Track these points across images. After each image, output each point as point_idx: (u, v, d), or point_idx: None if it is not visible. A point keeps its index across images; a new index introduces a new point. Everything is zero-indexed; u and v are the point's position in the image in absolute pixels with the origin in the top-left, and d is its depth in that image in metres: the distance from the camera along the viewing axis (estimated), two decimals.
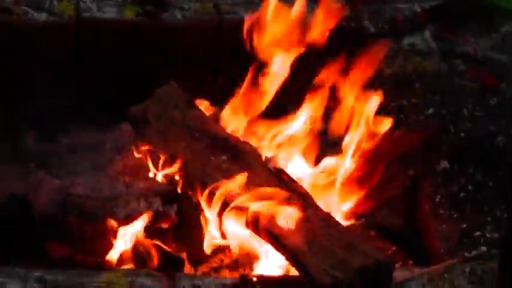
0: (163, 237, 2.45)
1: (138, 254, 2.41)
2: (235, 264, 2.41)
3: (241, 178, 2.32)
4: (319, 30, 2.59)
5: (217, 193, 2.34)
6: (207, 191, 2.37)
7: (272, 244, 2.28)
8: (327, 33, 2.58)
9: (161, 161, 2.53)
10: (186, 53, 2.89)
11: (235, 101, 2.63)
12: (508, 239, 1.73)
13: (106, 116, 2.85)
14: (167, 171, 2.52)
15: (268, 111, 2.63)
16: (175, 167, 2.48)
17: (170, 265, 2.39)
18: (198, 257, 2.45)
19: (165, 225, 2.48)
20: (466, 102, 2.76)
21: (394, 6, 3.14)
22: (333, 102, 2.59)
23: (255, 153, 2.50)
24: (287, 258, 2.23)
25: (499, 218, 2.45)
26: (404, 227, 2.61)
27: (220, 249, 2.44)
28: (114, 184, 2.58)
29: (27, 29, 2.85)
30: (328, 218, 2.32)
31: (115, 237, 2.42)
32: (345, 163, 2.53)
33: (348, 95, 2.56)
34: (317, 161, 2.58)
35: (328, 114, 2.60)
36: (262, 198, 2.29)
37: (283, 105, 2.66)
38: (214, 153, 2.47)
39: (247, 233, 2.33)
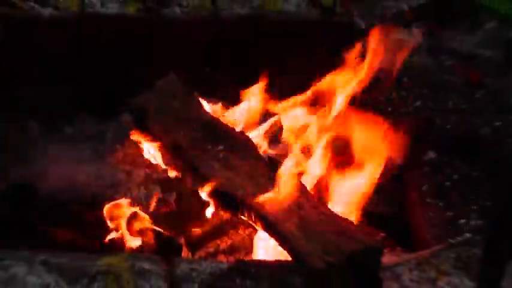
0: (162, 223, 2.44)
1: (138, 238, 2.41)
2: (231, 249, 2.41)
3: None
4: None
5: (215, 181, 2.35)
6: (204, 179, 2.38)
7: (266, 230, 2.28)
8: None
9: (160, 150, 2.53)
10: (185, 46, 2.89)
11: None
12: (493, 227, 1.73)
13: (107, 106, 2.85)
14: (166, 159, 2.52)
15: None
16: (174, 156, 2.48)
17: (168, 249, 2.39)
18: (195, 242, 2.45)
19: (164, 212, 2.47)
20: (452, 96, 2.77)
21: (383, 4, 3.13)
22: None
23: (250, 143, 2.50)
24: (281, 244, 2.24)
25: (483, 206, 2.46)
26: (392, 215, 2.60)
27: (216, 235, 2.45)
28: (115, 172, 2.59)
29: (33, 23, 2.84)
30: (320, 205, 2.32)
31: (116, 222, 2.42)
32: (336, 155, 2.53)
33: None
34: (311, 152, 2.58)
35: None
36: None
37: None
38: (211, 143, 2.47)
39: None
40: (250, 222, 2.33)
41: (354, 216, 2.44)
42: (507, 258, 1.70)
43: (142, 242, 2.39)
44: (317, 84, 2.59)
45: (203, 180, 2.39)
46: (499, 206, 1.66)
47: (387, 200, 2.64)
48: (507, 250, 1.68)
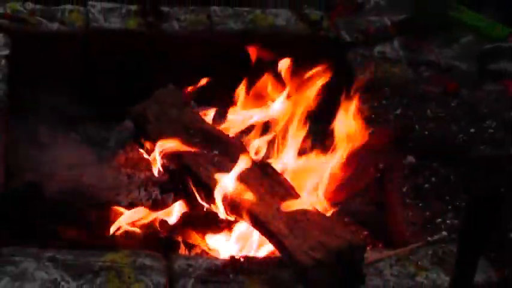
0: (161, 223, 2.44)
1: (139, 237, 2.40)
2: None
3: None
4: None
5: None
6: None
7: (257, 229, 2.28)
8: None
9: (159, 155, 2.52)
10: (182, 58, 2.89)
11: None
12: (467, 225, 1.74)
13: (110, 114, 2.84)
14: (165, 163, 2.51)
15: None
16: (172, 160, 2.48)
17: (167, 247, 2.38)
18: (192, 241, 2.44)
19: (163, 212, 2.46)
20: (430, 105, 2.76)
21: (367, 19, 3.14)
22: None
23: (243, 149, 2.49)
24: (271, 242, 2.23)
25: (458, 206, 2.46)
26: (374, 214, 2.61)
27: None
28: (117, 175, 2.59)
29: (41, 38, 2.84)
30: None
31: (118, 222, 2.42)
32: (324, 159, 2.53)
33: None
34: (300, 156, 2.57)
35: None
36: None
37: None
38: (207, 148, 2.46)
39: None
40: (243, 221, 2.33)
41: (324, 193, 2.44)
42: (479, 254, 1.71)
43: (143, 239, 2.39)
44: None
45: (200, 183, 2.40)
46: (471, 207, 1.67)
47: (370, 200, 2.64)
48: (479, 247, 1.69)
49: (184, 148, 2.43)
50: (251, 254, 2.34)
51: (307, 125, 2.55)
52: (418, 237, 2.38)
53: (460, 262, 1.73)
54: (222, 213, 2.34)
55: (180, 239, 2.42)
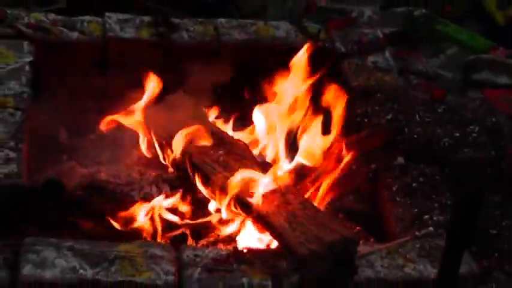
0: (172, 216, 2.44)
1: (150, 229, 2.40)
2: (229, 239, 2.40)
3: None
4: None
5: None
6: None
7: (259, 223, 2.28)
8: None
9: (170, 154, 2.53)
10: (190, 66, 2.88)
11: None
12: (454, 224, 1.74)
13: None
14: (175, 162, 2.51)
15: None
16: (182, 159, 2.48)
17: (176, 238, 2.38)
18: (199, 233, 2.44)
19: (172, 206, 2.46)
20: (418, 110, 2.76)
21: (360, 31, 3.14)
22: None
23: (246, 149, 2.50)
24: (271, 234, 2.24)
25: (444, 204, 2.46)
26: (367, 211, 2.60)
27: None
28: (130, 172, 2.58)
29: (62, 46, 2.84)
30: (305, 202, 2.33)
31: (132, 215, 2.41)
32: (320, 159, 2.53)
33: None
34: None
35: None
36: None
37: None
38: (213, 149, 2.46)
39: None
40: (247, 215, 2.33)
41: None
42: (464, 249, 1.71)
43: (154, 231, 2.38)
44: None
45: (207, 180, 2.39)
46: (458, 205, 1.67)
47: (362, 198, 2.64)
48: (464, 243, 1.70)
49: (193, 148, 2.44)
50: (252, 245, 2.33)
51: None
52: (406, 232, 2.38)
53: (446, 256, 1.73)
54: (226, 209, 2.36)
55: (188, 231, 2.42)
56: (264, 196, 2.27)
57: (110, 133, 2.84)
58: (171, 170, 2.54)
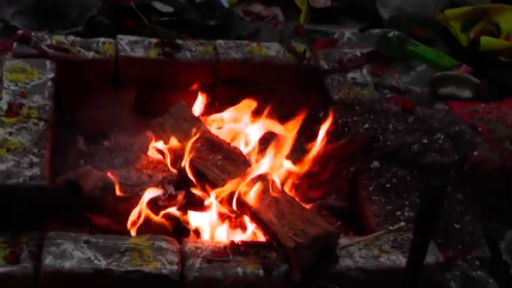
0: (176, 213, 2.44)
1: (157, 224, 2.40)
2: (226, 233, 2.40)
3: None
4: None
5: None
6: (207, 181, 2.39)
7: (252, 219, 2.29)
8: None
9: (174, 158, 2.52)
10: (192, 81, 2.88)
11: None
12: (420, 217, 1.75)
13: (135, 125, 2.84)
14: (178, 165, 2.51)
15: None
16: (184, 163, 2.47)
17: (179, 233, 2.37)
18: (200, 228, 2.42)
19: (176, 205, 2.45)
20: (391, 120, 2.75)
21: (341, 50, 3.14)
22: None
23: (241, 155, 2.49)
24: (263, 229, 2.26)
25: (414, 202, 2.46)
26: (347, 208, 2.60)
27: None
28: (139, 175, 2.57)
29: (80, 64, 2.84)
30: (293, 200, 2.33)
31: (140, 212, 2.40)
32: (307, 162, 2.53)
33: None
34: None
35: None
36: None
37: None
38: (212, 154, 2.46)
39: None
40: (241, 212, 2.34)
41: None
42: (429, 240, 1.72)
43: (160, 226, 2.38)
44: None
45: (207, 182, 2.40)
46: (423, 201, 1.68)
47: (343, 197, 2.64)
48: (429, 234, 1.70)
49: (194, 153, 2.44)
50: (247, 239, 2.34)
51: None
52: (381, 226, 2.38)
53: (414, 246, 1.74)
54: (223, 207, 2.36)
55: (190, 227, 2.41)
56: (257, 196, 2.28)
57: (122, 141, 2.85)
58: (175, 172, 2.53)
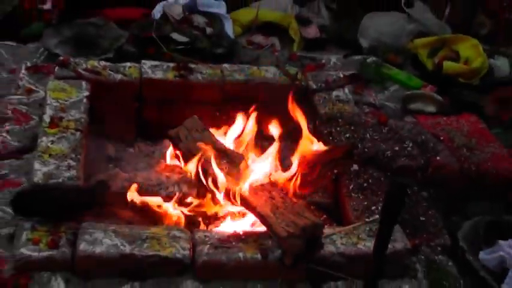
0: (189, 208, 2.44)
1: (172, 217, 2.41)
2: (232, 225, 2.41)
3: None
4: None
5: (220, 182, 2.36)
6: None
7: (251, 212, 2.29)
8: None
9: (187, 162, 2.53)
10: (203, 99, 2.90)
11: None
12: (385, 208, 1.75)
13: (155, 135, 2.85)
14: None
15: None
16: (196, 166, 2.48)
17: (192, 224, 2.39)
18: (209, 220, 2.44)
19: (189, 201, 2.46)
20: (368, 131, 2.76)
21: (327, 73, 3.15)
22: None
23: (243, 159, 2.48)
24: (260, 220, 2.26)
25: None
26: (331, 204, 2.60)
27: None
28: (159, 176, 2.56)
29: (110, 84, 2.85)
30: (285, 197, 2.34)
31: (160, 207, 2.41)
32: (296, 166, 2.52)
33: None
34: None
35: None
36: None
37: None
38: (220, 159, 2.45)
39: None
40: (242, 207, 2.34)
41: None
42: (391, 227, 1.72)
43: (175, 219, 2.39)
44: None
45: (214, 182, 2.40)
46: (388, 196, 1.68)
47: (328, 194, 2.63)
48: (392, 223, 1.70)
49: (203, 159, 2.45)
50: (247, 229, 2.34)
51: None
52: (359, 219, 2.39)
53: (380, 232, 1.73)
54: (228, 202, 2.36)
55: (200, 219, 2.42)
56: (256, 193, 2.29)
57: (144, 148, 2.86)
58: (188, 174, 2.54)
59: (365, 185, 2.54)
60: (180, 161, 2.58)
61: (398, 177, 2.36)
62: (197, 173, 2.46)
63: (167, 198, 2.42)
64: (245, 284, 2.14)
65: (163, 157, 2.69)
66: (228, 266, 2.12)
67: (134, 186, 2.36)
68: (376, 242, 1.72)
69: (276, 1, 3.86)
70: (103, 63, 2.92)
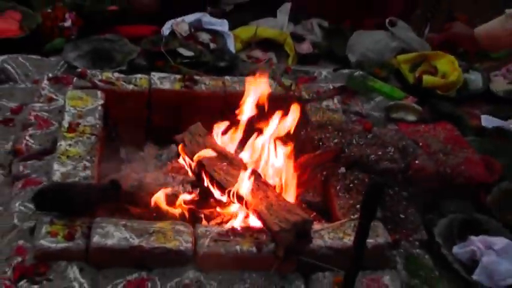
0: (192, 205, 2.45)
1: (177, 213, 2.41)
2: (229, 220, 2.41)
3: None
4: None
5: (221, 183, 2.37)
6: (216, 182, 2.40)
7: (248, 210, 2.30)
8: None
9: (192, 165, 2.54)
10: (206, 108, 2.89)
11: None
12: (364, 204, 1.75)
13: (163, 140, 2.85)
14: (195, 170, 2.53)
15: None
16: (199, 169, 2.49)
17: (194, 220, 2.39)
18: (210, 216, 2.44)
19: (192, 199, 2.47)
20: (355, 137, 2.75)
21: (318, 85, 3.16)
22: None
23: (241, 162, 2.50)
24: (256, 217, 2.26)
25: None
26: (320, 202, 2.59)
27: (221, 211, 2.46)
28: (166, 177, 2.58)
29: (122, 94, 2.86)
30: (279, 196, 2.34)
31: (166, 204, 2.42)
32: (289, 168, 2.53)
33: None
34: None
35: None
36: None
37: None
38: (220, 161, 2.47)
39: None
40: (240, 205, 2.35)
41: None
42: (369, 223, 1.72)
43: (179, 215, 2.39)
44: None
45: (215, 182, 2.41)
46: (367, 193, 1.69)
47: (318, 194, 2.62)
48: (369, 219, 1.71)
49: (206, 161, 2.46)
50: (244, 224, 2.35)
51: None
52: (345, 216, 2.39)
53: (360, 226, 1.74)
54: (227, 200, 2.37)
55: (202, 215, 2.43)
56: (252, 192, 2.30)
57: (153, 151, 2.86)
58: (192, 175, 2.55)
59: (351, 185, 2.54)
60: (185, 163, 2.59)
61: (377, 177, 2.36)
62: (199, 174, 2.47)
63: (173, 196, 2.43)
64: (241, 273, 2.15)
65: (170, 160, 2.70)
66: (226, 257, 2.13)
67: (163, 192, 2.37)
68: (356, 234, 1.72)
69: (273, 20, 3.88)
70: (117, 74, 2.93)
